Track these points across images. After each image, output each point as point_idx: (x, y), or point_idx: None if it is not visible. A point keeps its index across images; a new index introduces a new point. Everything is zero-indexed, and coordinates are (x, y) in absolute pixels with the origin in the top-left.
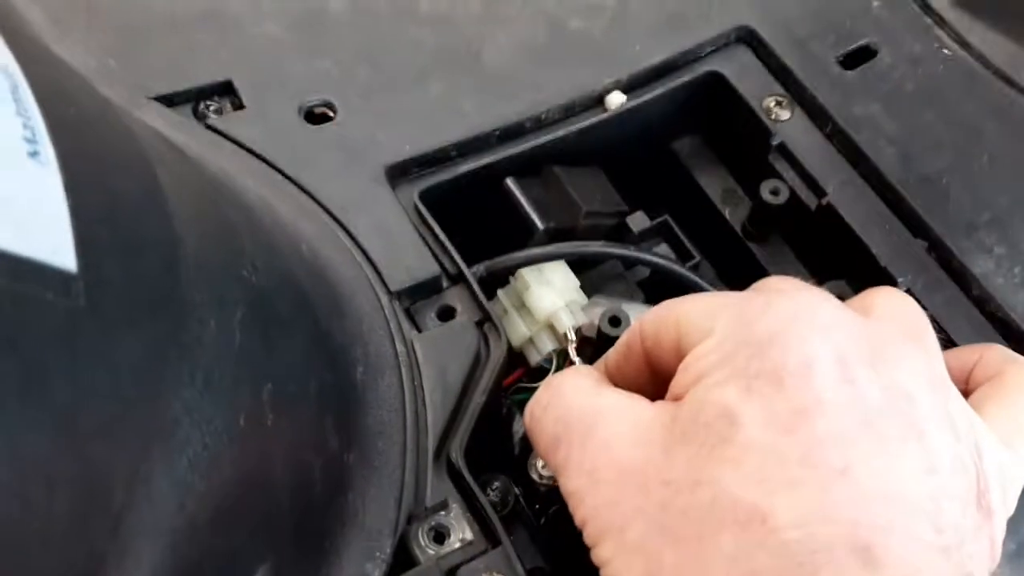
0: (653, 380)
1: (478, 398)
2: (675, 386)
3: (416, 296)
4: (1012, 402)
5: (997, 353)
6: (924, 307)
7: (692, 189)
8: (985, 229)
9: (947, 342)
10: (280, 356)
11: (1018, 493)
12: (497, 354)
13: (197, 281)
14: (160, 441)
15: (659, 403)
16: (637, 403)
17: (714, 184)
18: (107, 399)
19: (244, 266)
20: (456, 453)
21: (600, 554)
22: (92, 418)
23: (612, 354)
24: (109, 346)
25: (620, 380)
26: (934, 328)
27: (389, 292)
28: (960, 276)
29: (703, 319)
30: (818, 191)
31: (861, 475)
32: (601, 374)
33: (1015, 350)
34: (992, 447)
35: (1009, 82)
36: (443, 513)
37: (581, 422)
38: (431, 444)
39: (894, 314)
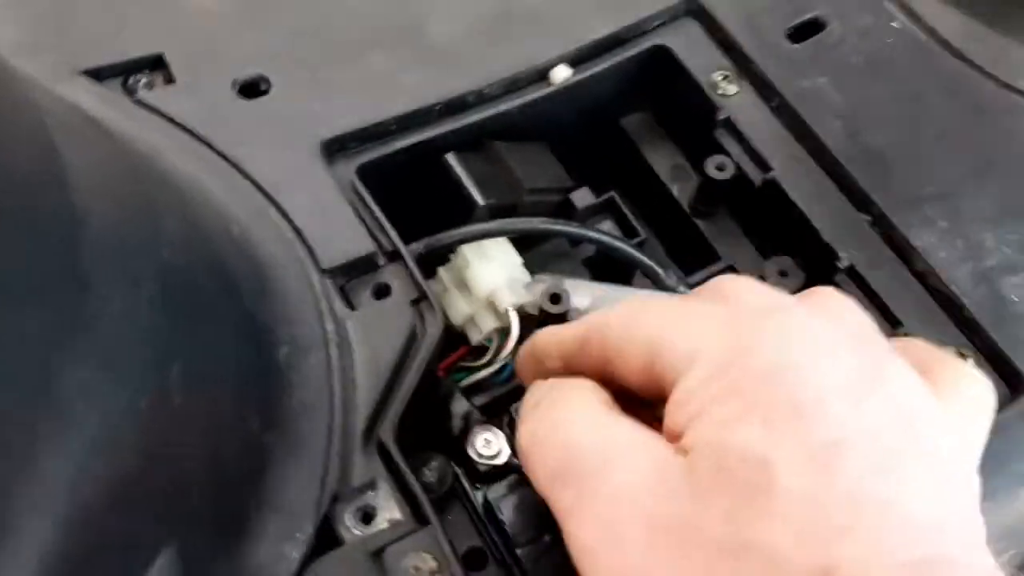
0: (603, 382)
1: (412, 377)
2: (672, 424)
3: (351, 274)
4: (948, 405)
5: (920, 349)
6: (866, 282)
7: (640, 165)
8: (929, 203)
9: (890, 318)
10: (195, 336)
11: None
12: (433, 332)
13: (101, 258)
14: (50, 420)
15: (666, 444)
16: (654, 442)
17: (662, 160)
18: None
19: (160, 244)
20: (386, 432)
21: None
22: None
23: (565, 340)
24: None
25: (565, 371)
26: (876, 308)
27: (321, 270)
28: (903, 250)
29: (682, 341)
30: (763, 166)
31: (906, 504)
32: (608, 396)
33: (956, 325)
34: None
35: (958, 55)
36: (371, 493)
37: (593, 460)
38: (360, 424)
39: (854, 321)
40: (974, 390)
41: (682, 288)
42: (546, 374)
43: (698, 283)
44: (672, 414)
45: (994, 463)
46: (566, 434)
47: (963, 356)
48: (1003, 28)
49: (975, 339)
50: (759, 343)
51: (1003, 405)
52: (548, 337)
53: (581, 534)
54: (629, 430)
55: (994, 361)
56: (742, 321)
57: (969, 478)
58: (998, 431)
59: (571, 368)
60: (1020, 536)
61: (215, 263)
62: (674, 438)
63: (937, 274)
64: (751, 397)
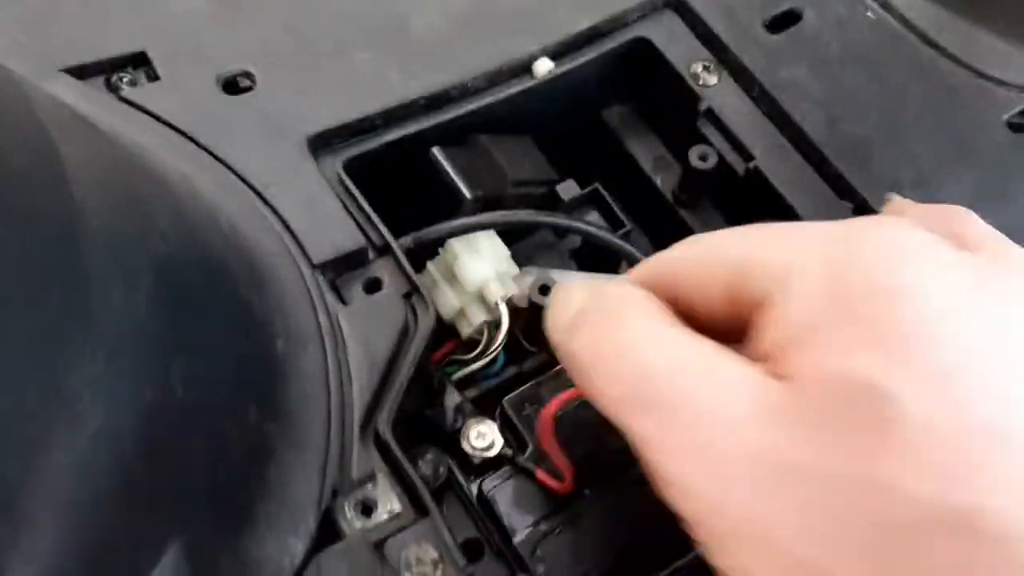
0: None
1: (405, 370)
2: (768, 347)
3: (341, 268)
4: None
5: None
6: None
7: (623, 157)
8: (909, 189)
9: None
10: (193, 328)
11: None
12: (424, 326)
13: (100, 252)
14: (58, 414)
15: (759, 368)
16: (745, 366)
17: (645, 151)
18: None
19: (154, 238)
20: (383, 426)
21: (732, 563)
22: None
23: (683, 282)
24: (3, 321)
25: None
26: None
27: (312, 265)
28: None
29: (777, 254)
30: (745, 155)
31: None
32: (668, 309)
33: None
34: None
35: (932, 44)
36: (370, 486)
37: (677, 384)
38: (357, 417)
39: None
40: None
41: None
42: None
43: None
44: (767, 337)
45: None
46: (638, 354)
47: None
48: (973, 17)
49: None
50: (863, 256)
51: None
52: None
53: (673, 467)
54: (713, 351)
55: None
56: (849, 231)
57: None
58: None
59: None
60: None
61: (208, 256)
62: (769, 363)
63: None
64: (867, 319)
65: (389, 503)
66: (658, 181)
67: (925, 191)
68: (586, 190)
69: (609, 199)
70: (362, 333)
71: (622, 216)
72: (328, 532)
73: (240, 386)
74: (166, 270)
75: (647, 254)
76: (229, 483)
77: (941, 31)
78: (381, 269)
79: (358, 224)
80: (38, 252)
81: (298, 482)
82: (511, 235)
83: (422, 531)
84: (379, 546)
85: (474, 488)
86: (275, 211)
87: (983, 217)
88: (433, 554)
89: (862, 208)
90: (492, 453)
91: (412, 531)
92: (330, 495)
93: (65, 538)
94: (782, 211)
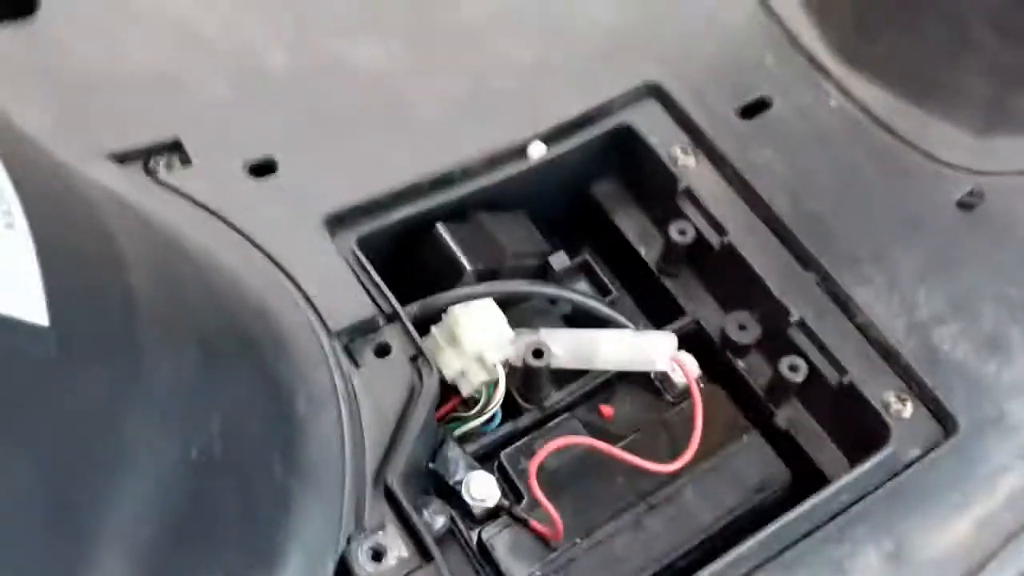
0: None
1: (413, 427)
2: None
3: (355, 335)
4: None
5: None
6: (815, 335)
7: (611, 229)
8: (868, 262)
9: (837, 367)
10: (228, 392)
11: None
12: (430, 387)
13: (151, 327)
14: (122, 470)
15: None
16: None
17: (630, 224)
18: (75, 433)
19: (193, 312)
20: (392, 478)
21: None
22: (64, 450)
23: None
24: (76, 387)
25: None
26: (824, 356)
27: (329, 332)
28: (846, 305)
29: None
30: (720, 231)
31: None
32: None
33: (894, 372)
34: None
35: (888, 130)
36: (381, 533)
37: None
38: (369, 470)
39: None
40: None
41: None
42: None
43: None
44: None
45: (932, 494)
46: None
47: (902, 400)
48: (926, 106)
49: (911, 384)
50: None
51: (937, 443)
52: None
53: None
54: None
55: (928, 404)
56: None
57: None
58: (934, 466)
59: None
60: (958, 562)
61: (238, 326)
62: None
63: (876, 326)
64: None
65: (397, 549)
66: (643, 252)
67: (881, 264)
68: (576, 261)
69: (597, 268)
70: (373, 394)
71: (609, 284)
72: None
73: (268, 443)
74: (204, 339)
75: (633, 318)
76: (259, 529)
77: (897, 118)
78: (390, 335)
79: (369, 294)
80: (100, 326)
81: (318, 529)
82: (508, 300)
83: (428, 575)
84: None
85: (475, 536)
86: (296, 284)
87: (936, 287)
88: None
89: (824, 279)
90: (490, 504)
91: (419, 575)
92: (345, 542)
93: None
94: (753, 281)
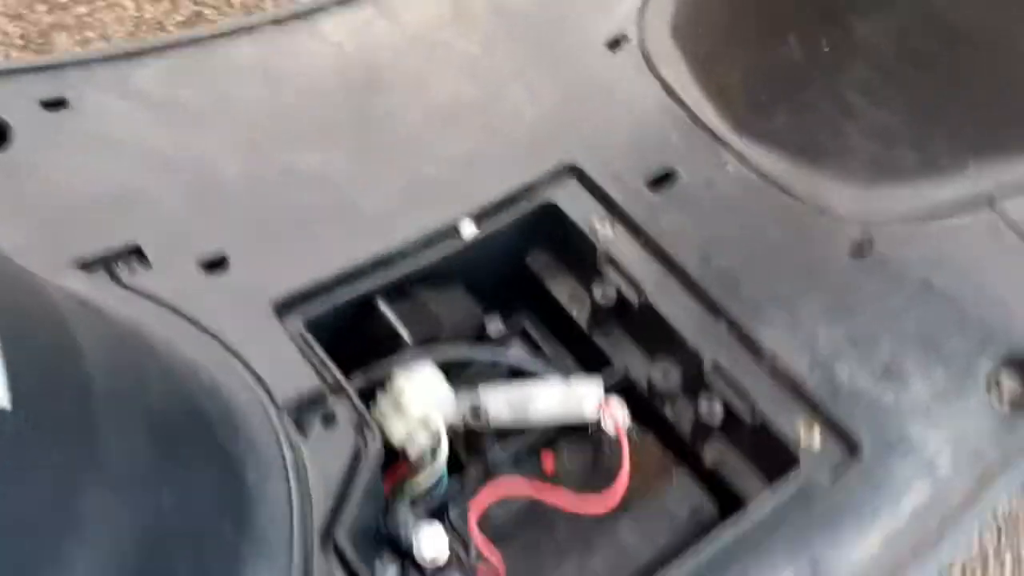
0: None
1: (359, 490)
2: None
3: (303, 407)
4: None
5: None
6: (728, 376)
7: (545, 295)
8: (772, 308)
9: (749, 404)
10: (181, 464)
11: None
12: (373, 451)
13: (105, 410)
14: (75, 539)
15: None
16: None
17: (562, 289)
18: (31, 505)
19: (147, 396)
20: (341, 537)
21: None
22: (21, 521)
23: None
24: (34, 463)
25: None
26: (737, 395)
27: (278, 407)
28: (754, 348)
29: None
30: (638, 290)
31: None
32: None
33: (801, 403)
34: None
35: (784, 191)
36: None
37: None
38: (317, 532)
39: None
40: None
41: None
42: None
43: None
44: None
45: (843, 515)
46: None
47: (810, 430)
48: (816, 166)
49: (817, 414)
50: None
51: (845, 467)
52: None
53: None
54: None
55: (834, 431)
56: None
57: None
58: (843, 488)
59: None
60: None
61: (191, 406)
62: None
63: (782, 364)
64: None
65: None
66: (574, 313)
67: (784, 309)
68: (511, 325)
69: (532, 330)
70: (321, 461)
71: (542, 344)
72: None
73: (219, 511)
74: (158, 418)
75: (571, 373)
76: None
77: (792, 179)
78: (336, 405)
79: (316, 369)
80: (57, 411)
81: None
82: (452, 365)
83: None
84: None
85: None
86: (247, 365)
87: (835, 326)
88: None
89: (733, 326)
90: (441, 563)
91: None
92: None
93: None
94: (670, 332)
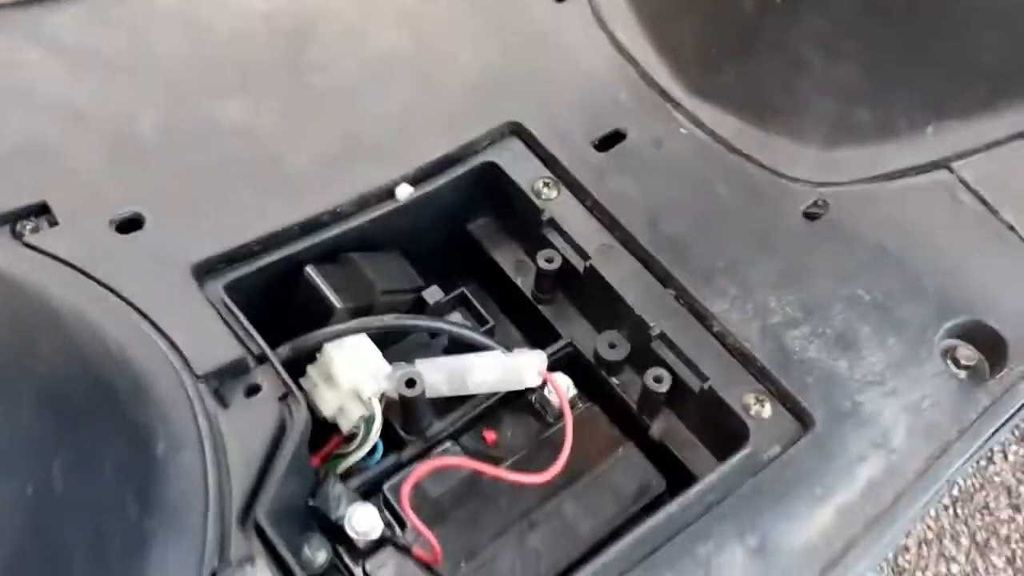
0: None
1: (282, 464)
2: None
3: (224, 378)
4: None
5: None
6: (675, 346)
7: (489, 263)
8: (721, 275)
9: (698, 374)
10: (75, 434)
11: None
12: (299, 422)
13: None
14: None
15: None
16: None
17: (506, 257)
18: None
19: (37, 362)
20: (261, 513)
21: None
22: None
23: None
24: None
25: None
26: (686, 365)
27: (196, 376)
28: (703, 317)
29: None
30: (583, 255)
31: None
32: None
33: (752, 374)
34: None
35: (736, 151)
36: (249, 568)
37: None
38: (237, 506)
39: None
40: None
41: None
42: None
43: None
44: None
45: (793, 487)
46: None
47: (760, 401)
48: (770, 127)
49: (768, 385)
50: None
51: (796, 438)
52: None
53: None
54: None
55: (785, 402)
56: None
57: None
58: (794, 460)
59: None
60: (821, 552)
61: (90, 374)
62: None
63: (732, 334)
64: None
65: None
66: (519, 282)
67: (735, 275)
68: (451, 294)
69: (474, 300)
70: (241, 433)
71: (485, 314)
72: None
73: (120, 484)
74: (48, 386)
75: (517, 343)
76: (109, 567)
77: (744, 140)
78: (260, 376)
79: (238, 338)
80: None
81: (177, 567)
82: (388, 339)
83: None
84: None
85: (360, 570)
86: (162, 332)
87: (787, 293)
88: None
89: (682, 293)
90: (374, 536)
91: None
92: None
93: None
94: (616, 300)
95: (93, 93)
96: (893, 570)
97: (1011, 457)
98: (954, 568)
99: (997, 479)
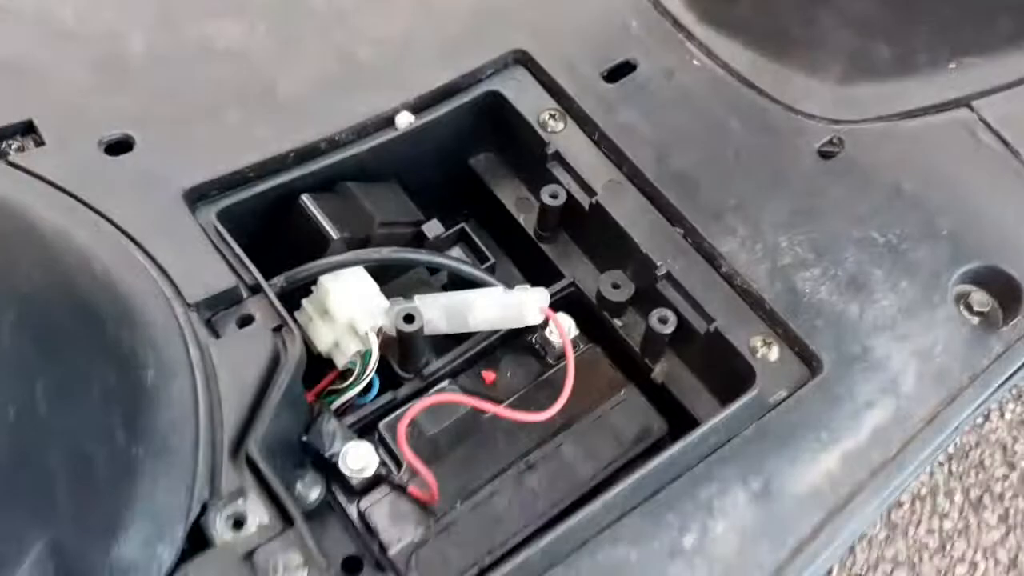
0: None
1: (275, 396)
2: None
3: (216, 307)
4: None
5: None
6: (682, 286)
7: (490, 199)
8: (731, 214)
9: (704, 315)
10: (58, 357)
11: None
12: (294, 354)
13: None
14: None
15: None
16: None
17: (508, 193)
18: None
19: (16, 279)
20: (253, 446)
21: None
22: None
23: None
24: None
25: None
26: (692, 306)
27: (187, 304)
28: (711, 257)
29: None
30: (589, 191)
31: None
32: None
33: (760, 317)
34: None
35: (749, 85)
36: (241, 501)
37: None
38: (228, 438)
39: None
40: None
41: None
42: None
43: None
44: None
45: (799, 432)
46: None
47: (768, 344)
48: (786, 60)
49: (776, 328)
50: None
51: (803, 382)
52: None
53: None
54: None
55: (793, 345)
56: None
57: None
58: (800, 404)
59: None
60: (826, 497)
61: (75, 296)
62: None
63: (740, 274)
64: None
65: (259, 516)
66: (521, 219)
67: (745, 215)
68: (452, 229)
69: (474, 236)
70: (233, 363)
71: (486, 251)
72: (201, 543)
73: (107, 410)
74: (30, 306)
75: (518, 283)
76: (96, 493)
77: (758, 74)
78: (254, 306)
79: (231, 267)
80: None
81: (165, 496)
82: (386, 273)
83: (288, 540)
84: (250, 555)
85: (354, 508)
86: (152, 257)
87: (798, 234)
88: (298, 559)
89: (690, 232)
90: (368, 474)
91: (280, 540)
92: (199, 509)
93: None
94: (622, 238)
95: (81, 10)
96: (886, 525)
97: (1007, 415)
98: (947, 524)
99: (992, 437)
